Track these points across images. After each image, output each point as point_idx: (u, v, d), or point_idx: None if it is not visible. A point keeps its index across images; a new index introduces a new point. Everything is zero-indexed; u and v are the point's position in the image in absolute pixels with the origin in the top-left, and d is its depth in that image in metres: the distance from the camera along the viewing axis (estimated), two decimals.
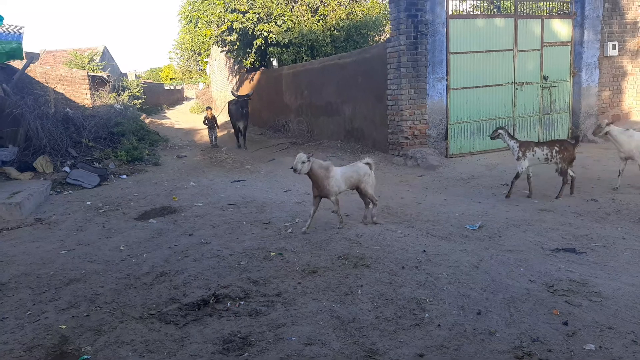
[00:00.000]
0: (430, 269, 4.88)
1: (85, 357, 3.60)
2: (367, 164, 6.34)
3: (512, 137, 7.30)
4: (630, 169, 9.03)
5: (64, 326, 4.07)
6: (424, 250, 5.40)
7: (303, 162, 5.81)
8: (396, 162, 10.74)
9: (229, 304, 4.31)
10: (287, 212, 7.30)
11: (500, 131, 7.22)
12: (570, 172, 7.29)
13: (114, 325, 4.05)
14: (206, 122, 15.70)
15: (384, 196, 8.15)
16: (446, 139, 10.91)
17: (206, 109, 16.32)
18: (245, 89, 21.53)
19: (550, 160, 7.16)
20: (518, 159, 7.14)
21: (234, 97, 15.35)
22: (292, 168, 5.84)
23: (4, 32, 11.58)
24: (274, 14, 16.84)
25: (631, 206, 6.73)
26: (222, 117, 19.68)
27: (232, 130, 16.16)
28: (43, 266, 5.56)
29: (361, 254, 5.34)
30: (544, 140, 7.55)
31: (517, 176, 7.29)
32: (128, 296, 4.64)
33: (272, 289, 4.58)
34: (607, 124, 7.33)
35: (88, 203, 8.66)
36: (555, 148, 7.13)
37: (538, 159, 7.13)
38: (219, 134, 16.36)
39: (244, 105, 14.82)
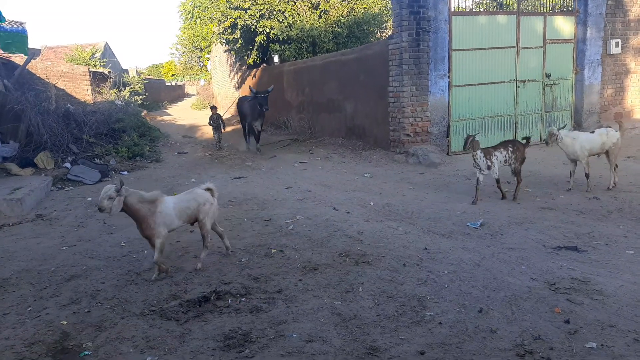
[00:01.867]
0: (431, 266, 4.87)
1: (86, 352, 3.60)
2: (209, 189, 5.25)
3: (479, 146, 7.05)
4: (629, 166, 9.02)
5: (65, 322, 4.08)
6: (425, 248, 5.39)
7: (110, 198, 4.52)
8: (397, 159, 10.72)
9: (229, 301, 4.31)
10: (289, 209, 7.30)
11: (477, 139, 6.93)
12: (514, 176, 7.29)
13: (115, 322, 4.05)
14: (211, 122, 14.54)
15: (385, 193, 8.14)
16: (448, 136, 10.88)
17: (211, 109, 15.17)
18: (247, 85, 21.51)
19: (507, 162, 7.08)
20: (489, 167, 6.94)
21: (252, 94, 13.44)
22: (97, 207, 4.67)
23: (9, 26, 11.59)
24: (276, 10, 16.78)
25: (633, 204, 6.71)
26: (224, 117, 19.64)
27: (235, 129, 15.57)
28: (44, 262, 5.56)
29: (362, 251, 5.33)
30: (500, 143, 7.35)
31: (497, 182, 7.16)
32: (129, 292, 4.63)
33: (273, 286, 4.57)
34: (558, 130, 7.23)
35: (89, 199, 8.65)
36: (510, 149, 7.07)
37: (500, 162, 7.04)
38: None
39: (263, 102, 12.93)
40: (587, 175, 7.37)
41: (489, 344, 3.44)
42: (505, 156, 7.03)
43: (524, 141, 7.29)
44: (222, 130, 14.60)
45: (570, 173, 7.60)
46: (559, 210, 6.71)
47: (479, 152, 6.88)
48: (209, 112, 15.36)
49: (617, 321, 3.65)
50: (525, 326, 3.65)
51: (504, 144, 7.18)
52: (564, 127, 7.55)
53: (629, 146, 10.77)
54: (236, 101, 23.52)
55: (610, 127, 7.73)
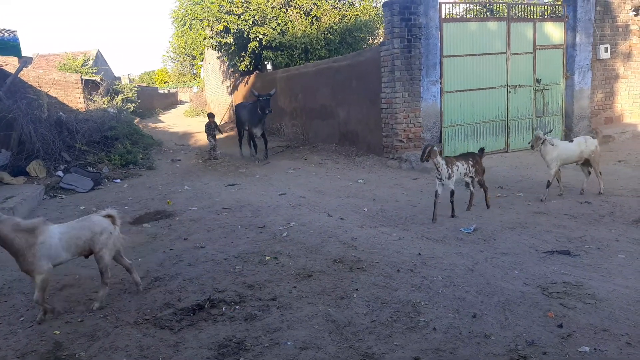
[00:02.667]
0: (425, 272, 4.89)
1: None
2: (109, 216, 4.60)
3: (441, 155, 6.74)
4: (620, 170, 9.10)
5: (57, 332, 4.05)
6: (419, 254, 5.41)
7: None
8: (391, 165, 10.75)
9: (224, 309, 4.30)
10: (282, 215, 7.30)
11: (435, 148, 6.53)
12: (470, 187, 7.15)
13: (108, 331, 4.03)
14: (208, 130, 13.90)
15: (378, 199, 8.16)
16: (440, 142, 10.93)
17: (208, 116, 14.52)
18: (241, 92, 21.52)
19: (467, 174, 6.93)
20: (449, 177, 6.67)
21: (254, 96, 12.79)
22: None
23: (0, 35, 11.58)
24: (269, 17, 16.83)
25: (624, 208, 6.76)
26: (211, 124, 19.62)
27: (228, 135, 15.40)
28: None
29: (356, 258, 5.34)
30: (460, 155, 7.26)
31: (452, 194, 6.81)
32: (122, 301, 4.61)
33: (268, 293, 4.57)
34: (545, 134, 7.19)
35: (82, 207, 8.61)
36: (470, 162, 6.93)
37: (460, 173, 6.84)
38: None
39: (265, 105, 12.29)
40: (548, 184, 7.36)
41: (483, 349, 3.46)
42: (466, 169, 6.86)
43: (480, 153, 7.18)
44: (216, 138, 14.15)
45: (557, 179, 7.58)
46: (551, 214, 6.76)
47: (441, 159, 6.60)
48: (202, 119, 15.33)
49: (610, 325, 3.68)
50: (518, 331, 3.67)
51: (464, 157, 7.05)
52: (550, 132, 7.54)
53: (619, 150, 10.88)
54: (229, 108, 23.60)
55: (588, 135, 7.85)
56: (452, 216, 6.78)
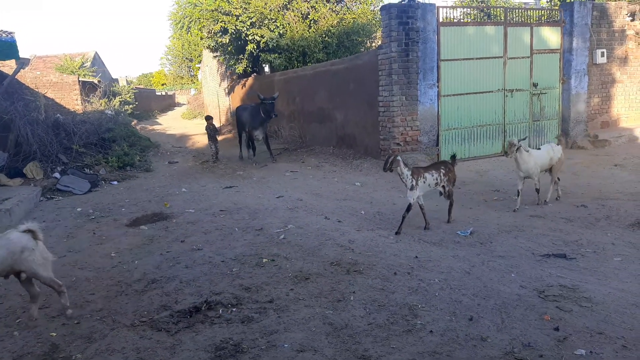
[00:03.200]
0: (422, 275, 4.90)
1: None
2: (29, 231, 4.19)
3: (406, 165, 6.37)
4: (616, 174, 9.14)
5: (54, 334, 4.04)
6: (416, 256, 5.42)
7: None
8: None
9: (221, 311, 4.29)
10: (280, 218, 7.30)
11: (398, 158, 6.22)
12: (443, 196, 6.80)
13: (104, 333, 4.02)
14: (208, 132, 14.03)
15: (376, 202, 8.17)
16: (437, 145, 10.96)
17: (207, 119, 14.56)
18: (238, 94, 21.53)
19: (439, 184, 6.58)
20: (411, 188, 6.28)
21: (259, 99, 12.66)
22: None
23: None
24: (267, 19, 16.85)
25: (620, 212, 6.79)
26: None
27: (225, 137, 15.41)
28: None
29: (353, 260, 5.35)
30: (431, 164, 6.96)
31: (408, 208, 6.36)
32: (119, 303, 4.61)
33: (265, 296, 4.57)
34: (519, 141, 6.94)
35: (78, 209, 8.60)
36: (442, 171, 6.59)
37: (429, 185, 6.47)
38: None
39: (270, 109, 12.32)
40: (537, 191, 7.38)
41: (480, 352, 3.47)
42: (437, 178, 6.51)
43: (451, 161, 6.83)
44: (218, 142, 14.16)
45: (518, 191, 7.28)
46: (547, 218, 6.78)
47: (405, 169, 6.24)
48: (199, 122, 15.37)
49: (606, 328, 3.69)
50: (515, 334, 3.68)
51: (435, 166, 6.72)
52: (524, 139, 7.40)
53: (616, 154, 10.94)
54: (227, 110, 23.60)
55: (553, 142, 7.87)
56: (426, 228, 6.47)
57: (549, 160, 7.31)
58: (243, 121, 13.63)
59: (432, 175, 6.48)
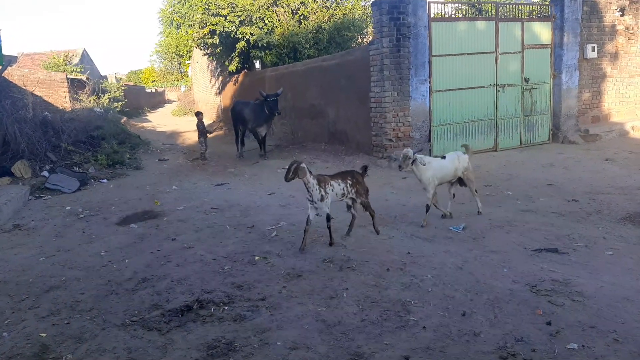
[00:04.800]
0: (415, 270, 4.89)
1: None
2: None
3: (311, 172, 5.62)
4: (607, 168, 9.19)
5: (44, 334, 3.99)
6: (409, 252, 5.41)
7: None
8: (380, 164, 10.76)
9: (212, 310, 4.26)
10: (272, 215, 7.27)
11: (303, 165, 5.49)
12: (352, 210, 6.12)
13: (95, 333, 3.98)
14: (199, 128, 13.74)
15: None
16: (429, 141, 10.97)
17: (196, 115, 14.29)
18: (229, 91, 21.43)
19: (346, 196, 5.86)
20: (322, 199, 5.58)
21: (262, 97, 12.46)
22: None
23: None
24: (255, 17, 16.75)
25: (612, 206, 6.83)
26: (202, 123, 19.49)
27: (216, 135, 15.18)
28: (22, 273, 5.44)
29: (346, 257, 5.33)
30: (338, 173, 6.10)
31: (328, 219, 5.68)
32: (109, 303, 4.56)
33: (257, 294, 4.54)
34: (414, 153, 6.18)
35: (68, 208, 8.51)
36: (349, 181, 5.85)
37: (336, 194, 5.74)
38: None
39: (274, 106, 12.24)
40: (427, 208, 6.42)
41: (473, 347, 3.46)
42: (344, 189, 5.79)
43: (361, 171, 6.16)
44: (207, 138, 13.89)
45: (434, 204, 6.61)
46: (539, 212, 6.80)
47: (311, 178, 5.53)
48: (190, 119, 15.23)
49: (598, 322, 3.70)
50: (507, 328, 3.68)
51: (342, 175, 5.95)
52: (420, 150, 6.57)
53: (606, 149, 11.00)
54: (218, 107, 23.48)
55: (460, 151, 6.94)
56: (330, 244, 5.72)
57: (454, 171, 6.53)
58: (244, 117, 13.28)
59: (339, 185, 5.77)
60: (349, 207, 6.11)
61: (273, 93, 12.75)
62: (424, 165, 6.19)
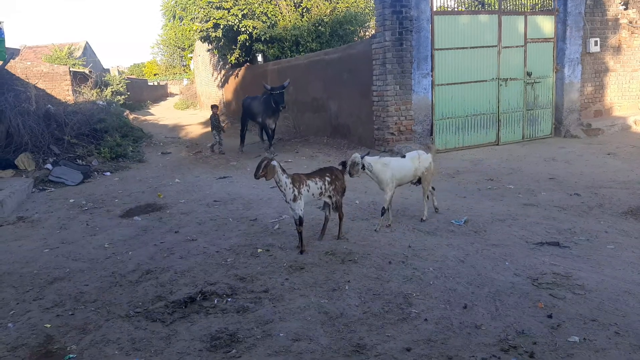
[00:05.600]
0: (416, 263, 4.91)
1: (71, 356, 3.56)
2: None
3: (284, 170, 5.32)
4: (609, 162, 9.18)
5: (48, 325, 4.03)
6: (410, 246, 5.43)
7: None
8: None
9: (216, 301, 4.29)
10: (274, 208, 7.29)
11: (274, 163, 5.22)
12: (327, 211, 5.82)
13: (99, 324, 4.01)
14: (213, 122, 13.40)
15: (370, 192, 8.17)
16: (431, 134, 10.96)
17: (211, 108, 13.87)
18: (231, 84, 21.40)
19: (324, 194, 5.55)
20: (294, 199, 5.28)
21: (266, 90, 12.50)
22: None
23: None
24: (257, 12, 16.70)
25: (613, 200, 6.83)
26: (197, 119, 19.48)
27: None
28: (26, 265, 5.48)
29: (348, 250, 5.35)
30: (316, 170, 5.82)
31: (300, 222, 5.36)
32: (113, 294, 4.59)
33: (260, 286, 4.57)
34: (362, 157, 5.74)
35: (71, 201, 8.55)
36: (327, 179, 5.56)
37: (312, 194, 5.45)
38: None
39: (279, 99, 12.18)
40: (383, 211, 6.08)
41: (474, 340, 3.49)
42: (321, 187, 5.48)
43: (340, 167, 5.83)
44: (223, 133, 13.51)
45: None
46: (540, 206, 6.81)
47: (283, 177, 5.23)
48: (192, 112, 15.24)
49: (599, 315, 3.72)
50: (509, 321, 3.70)
51: (320, 172, 5.65)
52: (367, 153, 6.02)
53: (609, 143, 10.99)
54: (217, 100, 23.46)
55: (422, 150, 6.62)
56: (301, 252, 5.36)
57: (414, 170, 6.19)
58: (254, 111, 13.21)
59: (316, 184, 5.47)
60: (325, 205, 5.76)
61: (279, 85, 12.65)
62: (371, 171, 5.81)
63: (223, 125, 13.54)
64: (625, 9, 12.99)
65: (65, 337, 3.84)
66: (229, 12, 16.56)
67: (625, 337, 3.42)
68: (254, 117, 13.40)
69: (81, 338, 3.81)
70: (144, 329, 3.89)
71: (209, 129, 14.30)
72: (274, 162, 5.21)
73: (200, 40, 20.19)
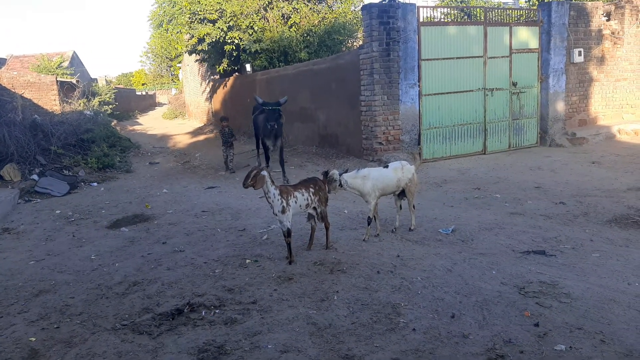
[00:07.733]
0: (404, 273, 4.92)
1: None
2: None
3: (273, 182, 5.21)
4: (594, 171, 9.29)
5: (33, 339, 3.97)
6: (399, 255, 5.45)
7: None
8: (370, 167, 10.80)
9: (203, 313, 4.27)
10: (263, 218, 7.27)
11: (264, 173, 5.13)
12: (312, 221, 5.77)
13: (85, 337, 3.97)
14: (222, 136, 12.14)
15: (358, 201, 8.18)
16: (419, 144, 11.04)
17: (221, 121, 12.76)
18: (220, 94, 21.39)
19: (310, 206, 5.50)
20: (283, 211, 5.18)
21: (258, 104, 11.04)
22: None
23: None
24: (243, 26, 16.66)
25: (598, 209, 6.91)
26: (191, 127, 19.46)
27: (207, 137, 14.71)
28: (11, 277, 5.41)
29: (337, 260, 5.35)
30: (300, 181, 5.76)
31: (289, 234, 5.30)
32: (100, 307, 4.55)
33: (248, 297, 4.55)
34: (340, 174, 5.71)
35: (57, 212, 8.46)
36: (311, 189, 5.50)
37: (300, 206, 5.37)
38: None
39: (270, 117, 10.33)
40: (369, 221, 6.04)
41: (462, 349, 3.50)
42: (307, 199, 5.43)
43: (322, 177, 5.76)
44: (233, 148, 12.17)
45: (374, 216, 6.15)
46: (527, 215, 6.87)
47: (272, 188, 5.12)
48: (180, 122, 15.16)
49: (585, 323, 3.75)
50: (496, 330, 3.72)
51: (304, 184, 5.58)
52: (345, 170, 5.94)
53: (593, 152, 11.14)
54: (206, 110, 23.42)
55: (405, 160, 6.51)
56: (290, 262, 5.34)
57: (396, 181, 6.08)
58: (257, 126, 11.48)
59: (303, 195, 5.40)
60: (310, 217, 5.71)
61: (274, 102, 10.98)
62: (350, 187, 5.76)
63: (231, 140, 12.03)
64: (607, 20, 13.23)
65: (50, 351, 3.79)
66: (214, 24, 16.53)
67: (610, 344, 3.45)
68: (257, 133, 11.69)
69: (66, 352, 3.76)
70: (130, 342, 3.85)
71: (198, 138, 14.26)
72: (264, 172, 5.12)
73: (188, 54, 20.20)
